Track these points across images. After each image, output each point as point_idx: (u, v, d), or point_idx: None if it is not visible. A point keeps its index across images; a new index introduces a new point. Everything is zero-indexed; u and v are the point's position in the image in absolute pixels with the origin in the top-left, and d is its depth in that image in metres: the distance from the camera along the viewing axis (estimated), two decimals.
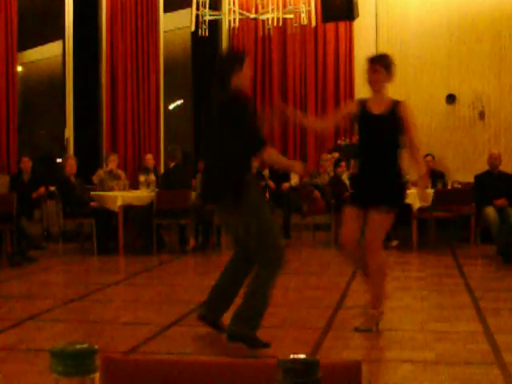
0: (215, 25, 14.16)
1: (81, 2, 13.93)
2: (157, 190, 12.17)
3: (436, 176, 13.05)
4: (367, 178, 6.42)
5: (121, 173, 12.82)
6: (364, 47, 14.65)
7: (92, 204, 11.93)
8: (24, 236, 11.32)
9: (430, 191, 6.60)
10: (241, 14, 13.10)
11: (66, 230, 12.27)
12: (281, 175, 13.26)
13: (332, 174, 13.20)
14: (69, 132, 13.81)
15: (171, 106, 16.11)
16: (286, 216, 13.25)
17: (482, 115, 14.06)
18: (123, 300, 8.55)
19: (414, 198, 11.88)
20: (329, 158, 13.54)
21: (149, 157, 13.51)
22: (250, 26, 14.49)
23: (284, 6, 12.87)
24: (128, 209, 11.93)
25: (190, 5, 13.04)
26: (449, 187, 12.60)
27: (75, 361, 1.12)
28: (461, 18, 14.12)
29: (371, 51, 14.52)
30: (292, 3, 12.94)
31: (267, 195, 11.34)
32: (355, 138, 14.17)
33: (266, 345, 5.77)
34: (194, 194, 11.99)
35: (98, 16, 14.09)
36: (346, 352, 5.84)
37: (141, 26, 14.10)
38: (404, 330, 6.68)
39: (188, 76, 16.23)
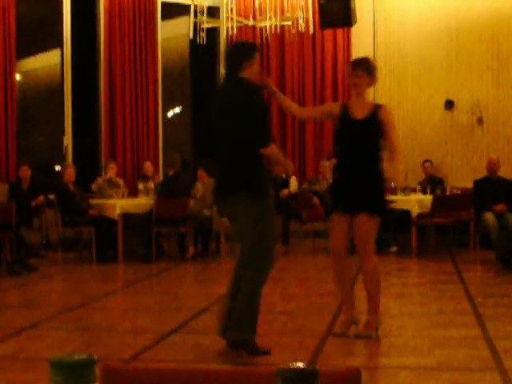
0: (213, 32, 14.17)
1: (79, 10, 13.93)
2: (156, 197, 12.16)
3: (435, 182, 13.06)
4: (349, 183, 6.42)
5: (120, 181, 12.82)
6: (362, 53, 14.59)
7: (91, 212, 11.92)
8: (23, 244, 11.31)
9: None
10: (239, 21, 13.11)
11: (65, 239, 12.26)
12: (280, 182, 13.26)
13: (331, 180, 13.19)
14: (67, 140, 13.81)
15: (169, 114, 16.12)
16: (285, 223, 13.24)
17: (480, 121, 14.06)
18: (122, 308, 8.55)
19: (413, 204, 11.90)
20: (327, 165, 13.53)
21: (148, 164, 13.50)
22: (248, 33, 14.49)
23: (282, 13, 12.88)
24: (127, 217, 11.92)
25: (187, 13, 13.05)
26: (447, 193, 12.61)
27: (74, 371, 1.12)
28: (459, 24, 14.13)
29: (369, 57, 14.55)
30: (290, 10, 12.95)
31: None
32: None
33: (266, 352, 5.76)
34: (193, 202, 11.99)
35: (96, 24, 14.09)
36: (346, 358, 5.84)
37: (139, 33, 14.11)
38: (404, 336, 6.68)
39: (186, 83, 16.23)
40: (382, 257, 11.87)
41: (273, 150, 5.88)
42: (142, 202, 12.17)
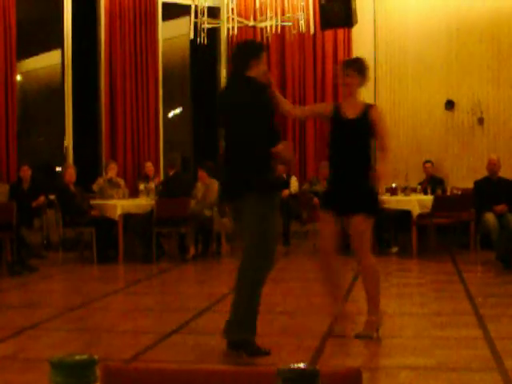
0: (214, 33, 14.17)
1: (79, 10, 13.94)
2: (156, 198, 12.17)
3: (436, 182, 13.06)
4: (341, 183, 6.42)
5: (120, 181, 12.82)
6: (363, 54, 14.58)
7: (92, 213, 11.92)
8: (24, 245, 11.31)
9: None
10: (239, 21, 13.11)
11: (66, 239, 12.26)
12: (280, 183, 13.26)
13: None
14: (68, 140, 13.81)
15: (170, 114, 16.12)
16: (286, 223, 13.24)
17: (480, 121, 14.06)
18: (123, 308, 8.55)
19: (413, 204, 11.90)
20: (328, 165, 13.53)
21: (149, 165, 13.51)
22: (249, 33, 14.49)
23: (282, 14, 12.88)
24: (128, 217, 11.92)
25: (188, 13, 13.05)
26: (448, 193, 12.60)
27: (75, 372, 1.12)
28: (459, 24, 14.13)
29: (370, 57, 14.52)
30: (290, 11, 12.95)
31: None
32: None
33: (267, 353, 5.76)
34: (193, 202, 11.99)
35: (96, 24, 14.09)
36: (347, 359, 5.84)
37: (139, 33, 14.11)
38: (404, 336, 6.68)
39: (186, 84, 16.23)
40: (383, 257, 11.87)
41: (285, 146, 5.90)
42: (143, 203, 12.17)
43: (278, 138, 5.88)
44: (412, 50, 14.38)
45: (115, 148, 13.96)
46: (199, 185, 12.33)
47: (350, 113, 6.39)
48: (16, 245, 11.06)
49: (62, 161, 13.80)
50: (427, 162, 13.69)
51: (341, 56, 14.73)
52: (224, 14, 13.20)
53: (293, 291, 9.08)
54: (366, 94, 14.84)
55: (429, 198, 12.01)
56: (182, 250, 12.21)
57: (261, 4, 12.87)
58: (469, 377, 5.35)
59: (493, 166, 12.20)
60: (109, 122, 13.97)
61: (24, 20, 13.54)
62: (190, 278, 11.05)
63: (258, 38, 14.11)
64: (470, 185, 12.53)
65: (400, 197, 12.24)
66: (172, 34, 15.44)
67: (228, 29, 12.85)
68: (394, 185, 12.57)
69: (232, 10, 12.89)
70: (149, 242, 11.77)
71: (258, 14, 13.19)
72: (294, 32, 13.13)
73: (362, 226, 6.35)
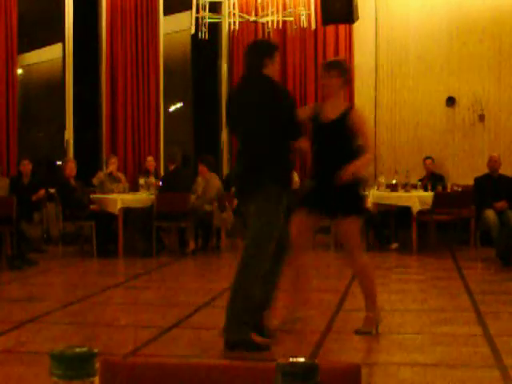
0: (215, 28, 14.16)
1: (81, 4, 13.93)
2: (157, 192, 12.17)
3: (436, 179, 13.06)
4: (324, 184, 6.39)
5: (121, 175, 12.82)
6: (364, 50, 14.65)
7: (92, 207, 11.93)
8: (24, 239, 11.32)
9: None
10: (241, 16, 13.09)
11: (66, 233, 12.27)
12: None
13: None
14: (68, 134, 13.81)
15: (171, 109, 16.11)
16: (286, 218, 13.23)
17: (481, 118, 14.05)
18: (123, 302, 8.55)
19: (413, 201, 11.90)
20: None
21: (149, 159, 13.51)
22: (250, 28, 14.48)
23: (284, 9, 12.86)
24: (128, 211, 11.93)
25: (189, 7, 13.03)
26: (448, 190, 12.60)
27: (75, 364, 1.12)
28: (461, 21, 14.12)
29: (371, 54, 14.56)
30: (292, 6, 12.93)
31: None
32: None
33: (267, 347, 5.76)
34: (193, 197, 11.99)
35: (97, 19, 14.09)
36: (346, 355, 5.84)
37: (141, 28, 14.10)
38: (404, 332, 6.68)
39: (188, 79, 16.23)
40: (383, 253, 11.89)
41: (305, 143, 5.91)
42: (143, 197, 12.18)
43: (299, 133, 5.90)
44: (413, 47, 14.37)
45: (116, 142, 13.96)
46: (199, 179, 12.33)
47: (331, 114, 6.39)
48: (16, 239, 11.06)
49: (62, 155, 13.79)
50: (428, 158, 13.69)
51: (342, 52, 14.72)
52: (225, 9, 13.18)
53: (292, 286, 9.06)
54: (366, 91, 14.89)
55: (429, 195, 12.01)
56: (182, 245, 12.22)
57: None
58: (468, 374, 5.35)
59: (494, 163, 12.19)
60: (109, 117, 13.97)
61: (25, 14, 13.53)
62: (190, 273, 11.06)
63: (260, 33, 14.11)
64: (470, 181, 12.53)
65: (400, 193, 12.24)
66: (173, 29, 15.43)
67: (229, 24, 12.83)
68: (394, 181, 12.58)
69: (233, 4, 12.87)
70: (149, 237, 11.78)
71: (260, 9, 13.17)
72: (296, 27, 13.11)
73: (350, 229, 6.34)
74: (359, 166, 6.33)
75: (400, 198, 12.17)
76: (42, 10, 15.17)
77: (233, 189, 10.93)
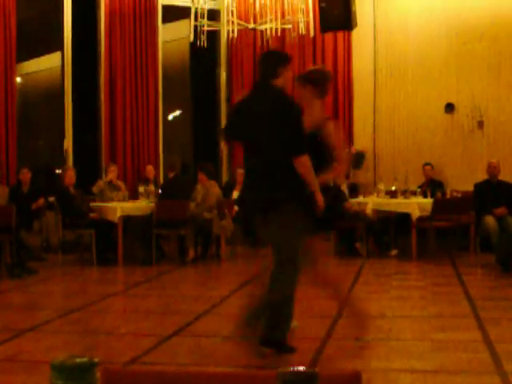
0: (214, 35, 14.18)
1: (80, 13, 13.95)
2: (156, 200, 12.18)
3: (435, 185, 13.06)
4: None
5: (120, 184, 12.82)
6: (362, 56, 14.67)
7: (91, 215, 11.93)
8: (23, 247, 11.32)
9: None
10: (239, 24, 13.11)
11: (66, 241, 12.27)
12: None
13: (331, 183, 13.19)
14: (68, 143, 13.82)
15: (170, 117, 16.13)
16: None
17: (480, 124, 14.07)
18: (123, 311, 8.55)
19: (413, 207, 11.90)
20: None
21: (149, 168, 13.53)
22: (249, 36, 14.50)
23: (282, 17, 12.89)
24: (127, 219, 11.94)
25: (188, 15, 13.06)
26: (448, 196, 12.61)
27: (75, 374, 1.12)
28: (459, 28, 14.13)
29: (370, 60, 14.57)
30: (290, 13, 12.96)
31: None
32: (354, 148, 14.21)
33: (292, 349, 5.91)
34: (193, 205, 11.99)
35: (96, 27, 14.11)
36: (346, 361, 5.83)
37: (139, 36, 14.12)
38: (404, 339, 6.68)
39: (186, 86, 16.24)
40: (383, 260, 11.89)
41: (305, 164, 5.85)
42: (143, 205, 12.18)
43: (302, 148, 5.87)
44: (412, 53, 14.39)
45: (115, 150, 13.97)
46: (199, 187, 12.33)
47: (305, 126, 6.39)
48: (15, 247, 11.06)
49: (61, 163, 13.80)
50: (427, 164, 13.70)
51: (341, 59, 14.75)
52: (224, 17, 13.21)
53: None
54: (365, 97, 14.90)
55: (428, 201, 12.01)
56: (182, 253, 12.21)
57: (261, 7, 12.88)
58: (468, 380, 5.35)
59: (493, 170, 12.20)
60: (109, 125, 13.98)
61: (24, 22, 13.55)
62: (190, 281, 11.05)
63: (258, 41, 14.13)
64: (469, 188, 12.54)
65: (400, 200, 12.25)
66: (172, 37, 15.45)
67: (228, 31, 12.86)
68: (393, 188, 12.58)
69: (232, 12, 12.90)
70: (148, 245, 11.78)
71: (258, 17, 13.19)
72: (294, 35, 13.14)
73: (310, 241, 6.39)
74: (326, 179, 6.38)
75: (399, 204, 12.18)
76: (41, 18, 15.19)
77: (234, 195, 10.92)
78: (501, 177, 12.28)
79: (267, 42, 13.58)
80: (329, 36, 14.59)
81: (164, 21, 14.62)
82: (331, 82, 6.97)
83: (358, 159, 14.02)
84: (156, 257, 11.80)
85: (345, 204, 11.80)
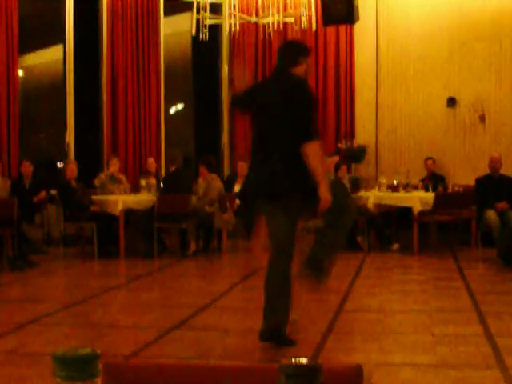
0: (215, 29, 14.17)
1: (81, 5, 13.94)
2: (158, 193, 12.18)
3: (437, 179, 13.06)
4: None
5: (122, 177, 12.81)
6: (364, 50, 14.66)
7: (93, 208, 11.93)
8: (25, 240, 11.33)
9: None
10: (241, 18, 13.10)
11: (67, 234, 12.28)
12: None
13: (333, 177, 13.19)
14: (69, 136, 13.82)
15: (172, 110, 16.12)
16: None
17: (482, 118, 14.05)
18: (124, 304, 8.55)
19: (414, 201, 11.90)
20: (328, 162, 13.53)
21: (151, 161, 13.52)
22: (251, 30, 14.49)
23: (284, 10, 12.87)
24: (129, 213, 11.94)
25: (190, 9, 13.05)
26: (449, 190, 12.60)
27: (78, 365, 1.12)
28: (461, 22, 14.11)
29: (372, 54, 14.56)
30: (292, 7, 12.94)
31: None
32: (356, 142, 14.20)
33: (292, 342, 5.94)
34: (194, 198, 11.99)
35: (98, 20, 14.10)
36: (347, 355, 5.84)
37: (141, 29, 14.11)
38: (405, 333, 6.68)
39: (188, 80, 16.22)
40: (384, 254, 11.90)
41: (316, 151, 5.86)
42: (144, 198, 12.18)
43: (317, 135, 5.91)
44: (414, 47, 14.37)
45: (116, 144, 13.97)
46: (200, 181, 12.33)
47: None
48: (17, 240, 11.08)
49: (63, 156, 13.80)
50: (429, 158, 13.69)
51: (343, 53, 14.73)
52: (226, 10, 13.20)
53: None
54: (367, 91, 14.88)
55: (430, 195, 12.01)
56: (183, 246, 12.22)
57: (263, 0, 12.86)
58: (469, 374, 5.35)
59: (495, 164, 12.19)
60: (110, 118, 13.98)
61: (26, 15, 13.54)
62: (191, 274, 11.05)
63: (260, 35, 14.12)
64: (471, 182, 12.53)
65: (401, 194, 12.25)
66: (174, 30, 15.43)
67: (230, 25, 12.84)
68: (395, 182, 12.58)
69: (234, 6, 12.88)
70: (150, 238, 11.79)
71: (260, 11, 13.18)
72: (296, 28, 13.12)
73: None
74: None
75: (401, 198, 12.18)
76: (43, 11, 15.17)
77: (235, 189, 10.90)
78: (502, 171, 12.27)
79: (269, 35, 13.56)
80: (331, 30, 14.57)
81: (166, 14, 14.61)
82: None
83: (360, 153, 14.01)
84: (157, 250, 11.81)
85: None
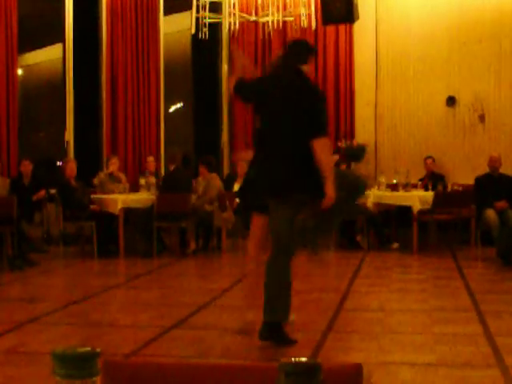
0: (215, 28, 14.16)
1: (81, 4, 13.93)
2: (157, 192, 12.18)
3: (436, 178, 13.05)
4: None
5: (121, 176, 12.81)
6: (364, 49, 14.65)
7: (92, 207, 11.93)
8: (24, 239, 11.32)
9: None
10: (241, 16, 13.10)
11: (67, 233, 12.27)
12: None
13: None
14: (69, 135, 13.81)
15: (171, 109, 16.12)
16: None
17: (482, 118, 14.05)
18: (124, 303, 8.55)
19: (414, 200, 11.90)
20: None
21: (150, 160, 13.51)
22: (250, 28, 14.48)
23: (284, 9, 12.87)
24: (128, 212, 11.93)
25: (190, 7, 13.05)
26: (449, 189, 12.60)
27: (78, 364, 1.12)
28: (461, 21, 14.10)
29: (371, 53, 14.55)
30: (292, 6, 12.94)
31: None
32: (355, 141, 14.20)
33: (292, 342, 5.95)
34: (194, 197, 11.99)
35: (97, 19, 14.09)
36: (347, 354, 5.84)
37: (141, 28, 14.11)
38: (405, 332, 6.68)
39: (188, 79, 16.22)
40: (384, 253, 11.89)
41: (325, 147, 5.88)
42: (144, 197, 12.18)
43: (327, 130, 5.96)
44: (413, 46, 14.36)
45: (116, 142, 13.97)
46: (200, 179, 12.33)
47: None
48: (16, 239, 11.07)
49: (62, 155, 13.80)
50: (428, 158, 13.68)
51: (342, 52, 14.73)
52: (225, 9, 13.19)
53: (293, 286, 9.07)
54: (367, 90, 14.88)
55: (429, 194, 12.01)
56: (183, 245, 12.22)
57: None
58: (469, 373, 5.35)
59: (494, 163, 12.19)
60: (110, 117, 13.97)
61: (25, 14, 13.53)
62: (191, 273, 11.05)
63: (260, 33, 14.11)
64: (470, 181, 12.53)
65: (401, 193, 12.25)
66: (173, 29, 15.43)
67: (230, 24, 12.84)
68: (394, 181, 12.58)
69: (234, 4, 12.88)
70: (149, 237, 11.78)
71: (260, 9, 13.18)
72: (296, 27, 13.12)
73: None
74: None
75: (400, 197, 12.17)
76: (43, 10, 15.16)
77: (235, 187, 10.88)
78: (502, 170, 12.27)
79: (269, 34, 13.56)
80: (330, 29, 14.56)
81: (165, 13, 14.60)
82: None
83: (359, 152, 14.01)
84: (157, 249, 11.81)
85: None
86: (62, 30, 13.79)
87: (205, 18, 12.67)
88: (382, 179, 12.71)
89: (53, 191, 12.27)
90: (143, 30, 14.13)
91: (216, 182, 12.28)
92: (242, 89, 6.34)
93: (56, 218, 12.17)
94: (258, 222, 6.41)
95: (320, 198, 5.78)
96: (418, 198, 11.88)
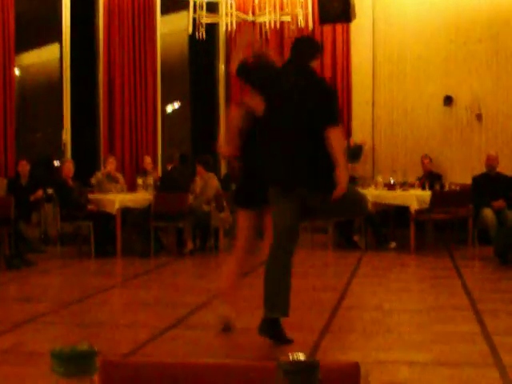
0: (212, 28, 14.16)
1: (78, 4, 13.92)
2: (155, 192, 12.18)
3: (434, 178, 13.06)
4: None
5: (119, 176, 12.81)
6: (361, 49, 14.65)
7: (90, 207, 11.92)
8: (22, 239, 11.31)
9: None
10: (238, 16, 13.09)
11: (64, 233, 12.26)
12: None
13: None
14: (66, 135, 13.80)
15: (169, 109, 16.11)
16: None
17: (479, 117, 14.05)
18: (121, 303, 8.55)
19: (411, 200, 11.90)
20: None
21: (147, 159, 13.50)
22: (247, 28, 14.47)
23: (281, 9, 12.87)
24: (126, 211, 11.93)
25: (187, 7, 13.04)
26: (446, 189, 12.60)
27: (75, 362, 1.12)
28: (459, 20, 14.11)
29: (368, 53, 14.55)
30: (289, 6, 12.93)
31: None
32: (352, 140, 14.20)
33: (289, 341, 5.94)
34: (191, 197, 11.99)
35: (95, 19, 14.08)
36: (345, 353, 5.84)
37: (138, 28, 14.10)
38: (402, 331, 6.68)
39: (185, 79, 16.21)
40: (381, 252, 11.89)
41: (339, 136, 5.91)
42: (141, 197, 12.17)
43: (339, 120, 6.00)
44: (410, 46, 14.37)
45: (113, 142, 13.96)
46: (197, 179, 12.33)
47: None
48: (14, 239, 11.05)
49: (60, 155, 13.79)
50: (425, 157, 13.69)
51: (339, 51, 14.73)
52: (223, 9, 13.18)
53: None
54: (364, 89, 14.88)
55: (427, 194, 12.01)
56: (180, 245, 12.21)
57: None
58: (466, 372, 5.35)
59: (491, 162, 12.20)
60: (107, 117, 13.96)
61: (22, 14, 13.52)
62: (188, 273, 11.05)
63: (257, 33, 14.10)
64: (468, 180, 12.54)
65: (398, 192, 12.25)
66: (170, 29, 15.42)
67: (227, 24, 12.84)
68: (392, 180, 12.58)
69: (231, 4, 12.87)
70: (147, 237, 11.78)
71: (257, 9, 13.18)
72: (293, 27, 13.12)
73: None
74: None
75: (398, 197, 12.18)
76: (40, 9, 15.15)
77: (232, 187, 10.90)
78: (499, 169, 12.28)
79: (266, 34, 13.55)
80: (327, 28, 14.57)
81: (162, 13, 14.59)
82: None
83: (356, 151, 14.01)
84: (154, 249, 11.80)
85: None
86: (59, 30, 13.78)
87: (202, 17, 12.67)
88: (380, 179, 12.71)
89: (50, 191, 12.26)
90: (140, 30, 14.12)
91: (213, 182, 12.27)
92: (246, 73, 6.32)
93: (53, 218, 12.16)
94: (244, 223, 6.41)
95: (326, 194, 5.77)
96: (416, 198, 11.89)
